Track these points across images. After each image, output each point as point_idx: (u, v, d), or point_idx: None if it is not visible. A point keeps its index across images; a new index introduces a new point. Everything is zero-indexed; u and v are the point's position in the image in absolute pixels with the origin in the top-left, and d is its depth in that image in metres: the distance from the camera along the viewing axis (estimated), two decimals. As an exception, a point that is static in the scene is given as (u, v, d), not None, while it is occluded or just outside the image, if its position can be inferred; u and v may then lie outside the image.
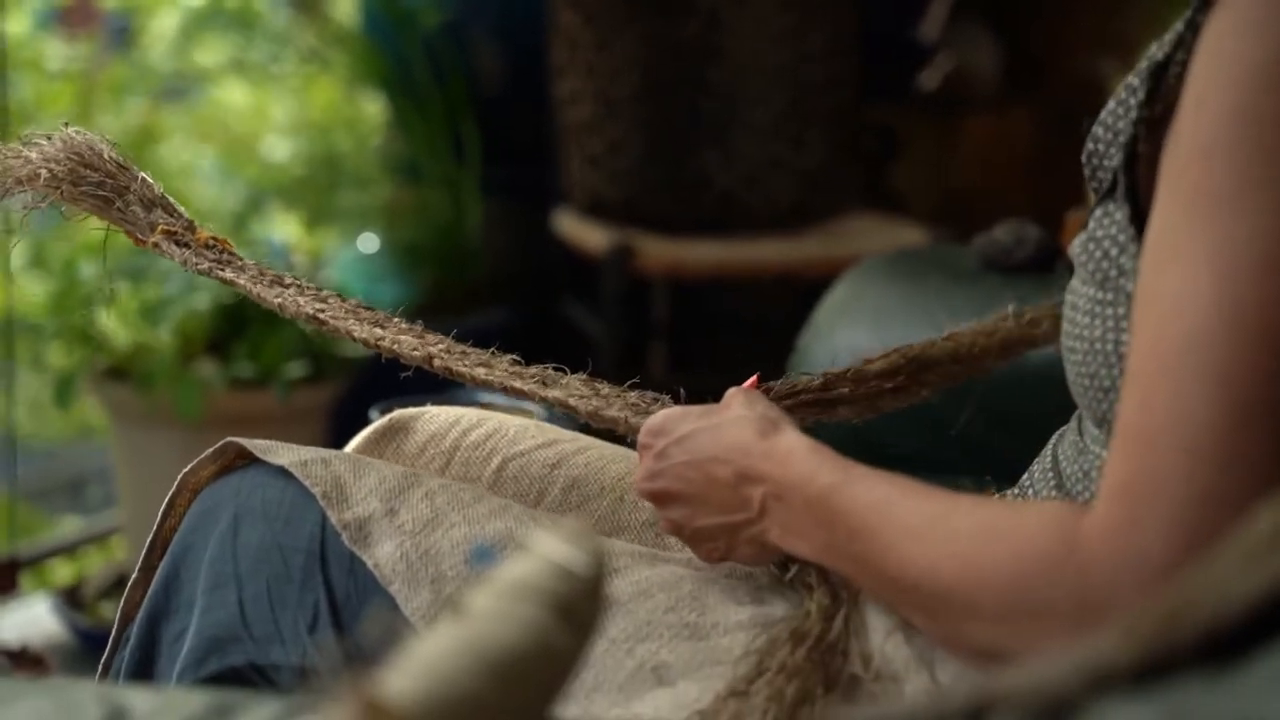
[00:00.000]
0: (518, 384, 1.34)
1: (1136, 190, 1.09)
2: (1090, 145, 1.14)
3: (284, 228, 3.63)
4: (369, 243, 3.57)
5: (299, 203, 3.60)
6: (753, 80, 3.24)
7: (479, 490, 1.32)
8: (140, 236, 1.44)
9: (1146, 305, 1.00)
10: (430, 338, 1.39)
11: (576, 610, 0.80)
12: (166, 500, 1.37)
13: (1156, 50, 1.09)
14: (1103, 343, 1.09)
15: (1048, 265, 1.98)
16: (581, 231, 3.32)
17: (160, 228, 1.43)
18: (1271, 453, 0.93)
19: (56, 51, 3.93)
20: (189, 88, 4.06)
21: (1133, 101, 1.10)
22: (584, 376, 1.36)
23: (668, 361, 3.32)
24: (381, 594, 1.25)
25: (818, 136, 3.30)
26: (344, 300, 1.42)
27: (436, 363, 1.36)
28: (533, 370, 1.36)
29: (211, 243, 1.45)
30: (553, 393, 1.34)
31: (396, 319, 1.40)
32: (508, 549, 1.23)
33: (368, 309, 1.41)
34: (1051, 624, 0.98)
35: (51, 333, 2.91)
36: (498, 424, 1.46)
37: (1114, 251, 1.09)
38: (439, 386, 2.37)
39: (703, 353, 3.41)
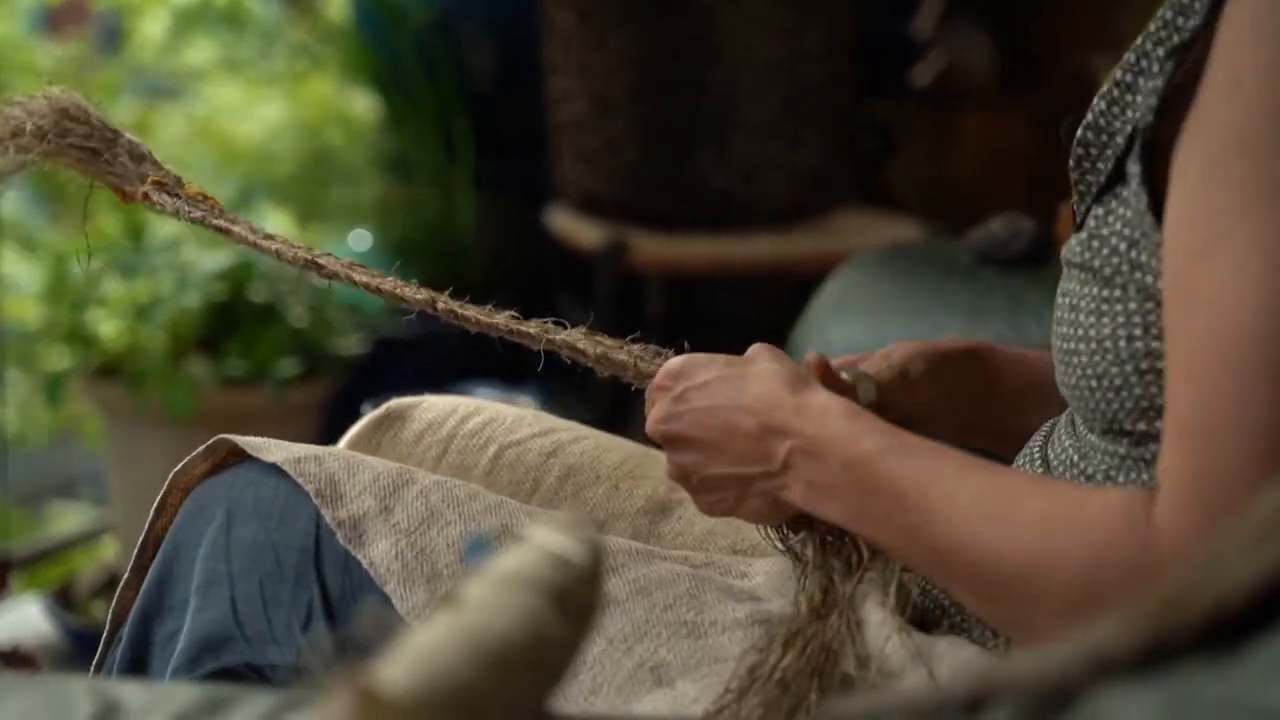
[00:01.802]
0: (527, 329, 1.32)
1: (1154, 177, 1.06)
2: (1079, 148, 1.13)
3: (276, 225, 3.62)
4: (361, 240, 3.56)
5: (291, 200, 3.59)
6: (748, 77, 3.23)
7: (474, 487, 1.31)
8: (129, 190, 1.42)
9: (1189, 297, 0.98)
10: (438, 294, 1.38)
11: (573, 600, 0.79)
12: (158, 499, 1.36)
13: (1164, 33, 1.07)
14: (1113, 340, 1.06)
15: (1042, 258, 1.99)
16: (575, 228, 3.31)
17: (150, 179, 1.42)
18: None
19: (47, 52, 3.93)
20: (181, 87, 4.05)
21: (1131, 97, 1.08)
22: (584, 329, 1.33)
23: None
24: (376, 592, 1.24)
25: (813, 133, 3.30)
26: (340, 259, 1.40)
27: (440, 305, 1.35)
28: (533, 322, 1.34)
29: (200, 197, 1.43)
30: (560, 336, 1.31)
31: (392, 277, 1.39)
32: (503, 541, 1.22)
33: (364, 269, 1.39)
34: None
35: (42, 332, 2.90)
36: (494, 413, 1.45)
37: (1123, 246, 1.07)
38: (432, 384, 2.37)
39: (697, 349, 3.39)
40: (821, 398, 1.15)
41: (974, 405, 1.37)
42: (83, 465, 3.65)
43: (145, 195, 1.42)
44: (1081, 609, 0.98)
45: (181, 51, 3.93)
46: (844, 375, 1.33)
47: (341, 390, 2.95)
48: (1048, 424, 1.23)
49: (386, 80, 3.62)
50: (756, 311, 3.57)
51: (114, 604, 1.37)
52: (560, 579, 0.80)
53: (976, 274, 1.99)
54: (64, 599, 2.81)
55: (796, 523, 1.21)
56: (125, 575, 1.36)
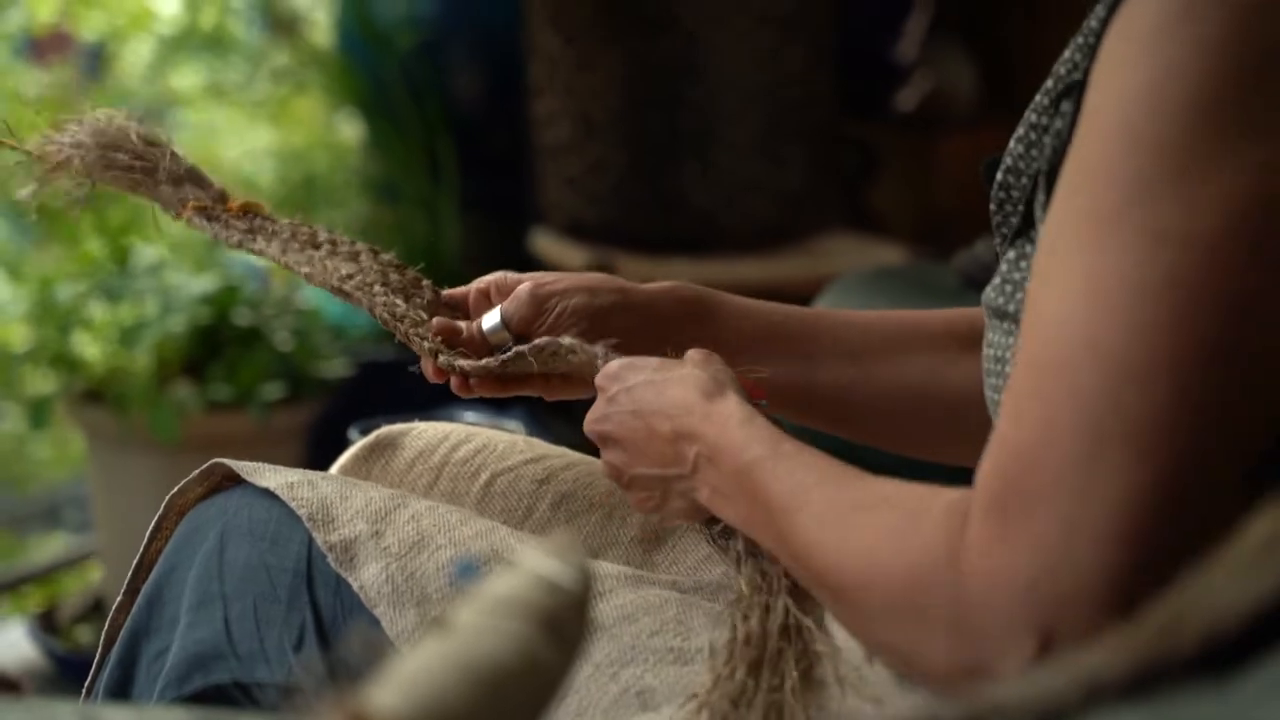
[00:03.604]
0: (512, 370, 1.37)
1: None
2: (999, 192, 1.13)
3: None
4: (346, 264, 3.55)
5: (276, 225, 3.58)
6: (731, 100, 3.24)
7: (465, 513, 1.31)
8: (175, 211, 1.46)
9: (1028, 320, 0.98)
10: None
11: (563, 624, 0.79)
12: (154, 522, 1.36)
13: (1069, 72, 1.06)
14: None
15: (1028, 282, 1.98)
16: (559, 251, 3.31)
17: (191, 203, 1.44)
18: (1131, 488, 0.92)
19: (33, 79, 3.93)
20: (166, 112, 4.05)
21: (1045, 139, 1.08)
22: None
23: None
24: (367, 615, 1.24)
25: (796, 156, 3.30)
26: (376, 257, 1.44)
27: (441, 359, 1.39)
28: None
29: (243, 211, 1.45)
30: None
31: (427, 285, 1.44)
32: (492, 565, 1.22)
33: (398, 270, 1.44)
34: (931, 633, 0.97)
35: (27, 356, 2.89)
36: (486, 439, 1.45)
37: (1029, 288, 1.07)
38: (418, 407, 2.36)
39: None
40: (729, 404, 1.18)
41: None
42: (68, 489, 3.64)
43: (189, 220, 1.45)
44: (900, 622, 0.99)
45: (166, 77, 3.93)
46: (485, 324, 1.39)
47: (326, 414, 2.95)
48: None
49: (372, 104, 3.62)
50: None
51: (106, 627, 1.37)
52: (550, 604, 0.80)
53: (963, 297, 1.99)
54: (48, 623, 2.80)
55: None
56: (118, 598, 1.36)
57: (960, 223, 3.59)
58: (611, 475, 1.27)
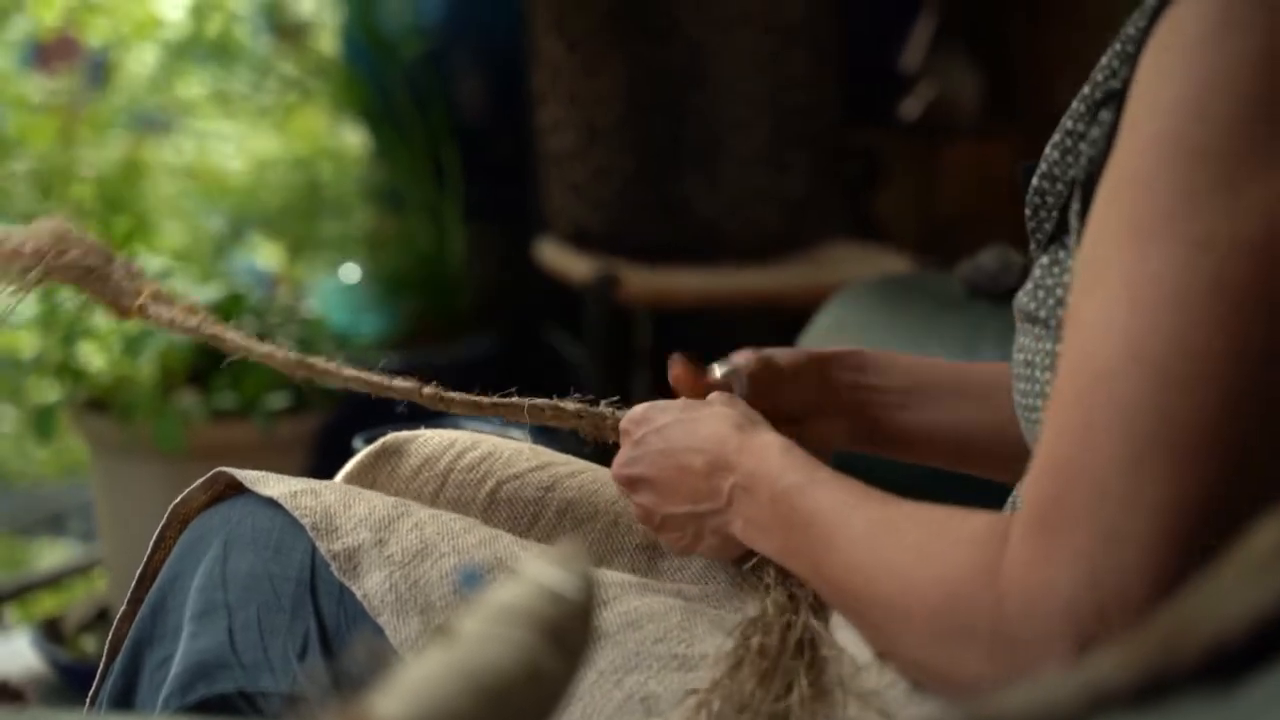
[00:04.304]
0: (506, 402, 1.42)
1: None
2: (1035, 197, 1.13)
3: (266, 257, 3.62)
4: (351, 272, 3.56)
5: (281, 233, 3.59)
6: (735, 107, 3.24)
7: (469, 520, 1.31)
8: (125, 304, 1.49)
9: (1070, 331, 0.99)
10: (415, 383, 1.46)
11: (567, 633, 0.79)
12: (157, 532, 1.36)
13: (1110, 82, 1.07)
14: None
15: (1033, 290, 1.98)
16: (564, 260, 3.31)
17: (146, 291, 1.47)
18: (1175, 495, 0.92)
19: (38, 86, 3.93)
20: (171, 120, 4.05)
21: (1082, 146, 1.08)
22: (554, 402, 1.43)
23: (651, 390, 3.31)
24: (371, 624, 1.24)
25: (800, 165, 3.30)
26: (327, 362, 1.48)
27: (426, 392, 1.43)
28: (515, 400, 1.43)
29: (194, 310, 1.48)
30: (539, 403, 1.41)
31: (381, 375, 1.48)
32: (496, 574, 1.22)
33: (348, 367, 1.49)
34: (971, 651, 0.97)
35: (32, 364, 2.89)
36: (492, 447, 1.46)
37: (1067, 297, 1.07)
38: (423, 416, 2.36)
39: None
40: (765, 436, 1.20)
41: (856, 403, 1.41)
42: (72, 498, 3.64)
43: (141, 308, 1.48)
44: (939, 643, 1.00)
45: (172, 85, 3.93)
46: (717, 370, 1.40)
47: (330, 423, 2.95)
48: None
49: (376, 113, 3.62)
50: (745, 343, 3.57)
51: (110, 636, 1.37)
52: (554, 613, 0.80)
53: (968, 306, 1.99)
54: (53, 632, 2.80)
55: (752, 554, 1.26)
56: (122, 607, 1.37)
57: (964, 231, 3.59)
58: (642, 519, 1.29)
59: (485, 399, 1.42)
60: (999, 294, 2.00)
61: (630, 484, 1.28)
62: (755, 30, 3.24)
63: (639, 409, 1.31)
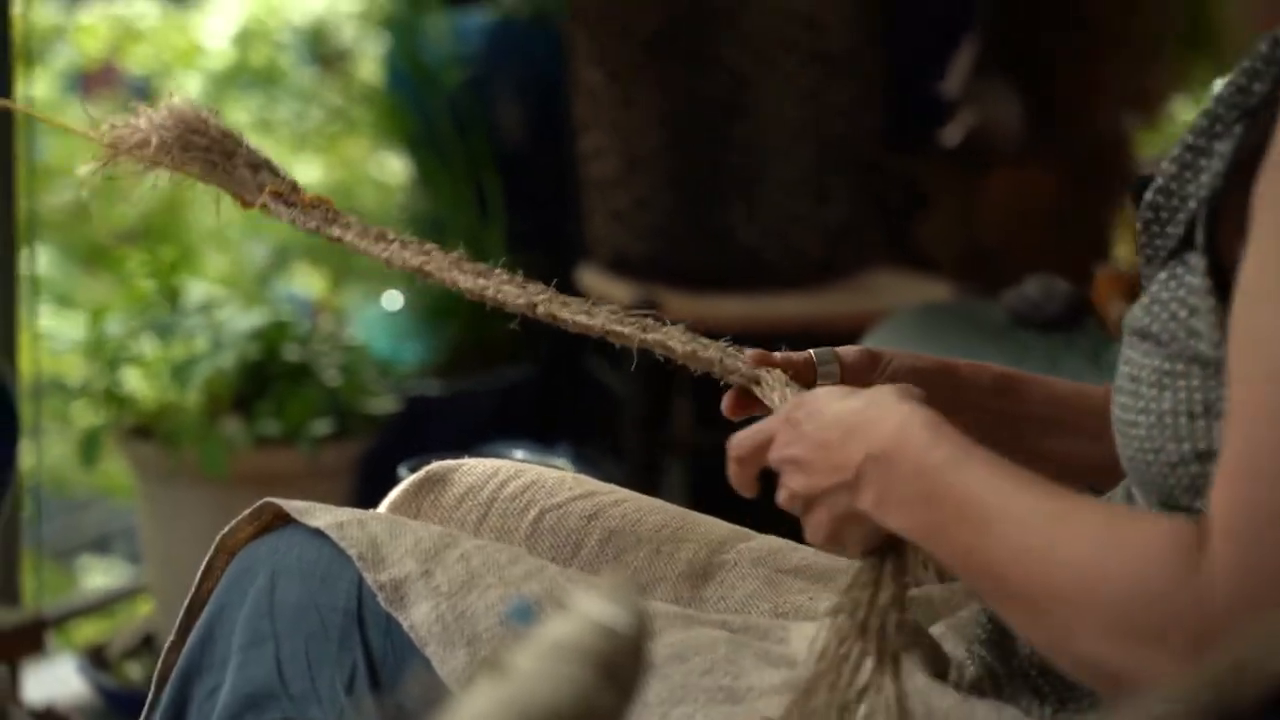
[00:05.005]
0: (618, 327, 1.38)
1: (1216, 243, 1.07)
2: (1148, 212, 1.13)
3: (308, 285, 3.64)
4: (393, 300, 3.57)
5: (324, 260, 3.61)
6: (776, 135, 3.24)
7: (515, 551, 1.32)
8: (248, 198, 1.47)
9: (1245, 342, 0.99)
10: (532, 287, 1.41)
11: (619, 669, 0.79)
12: (205, 562, 1.37)
13: (1237, 98, 1.08)
14: (1173, 415, 1.07)
15: (1077, 320, 1.99)
16: (605, 287, 3.32)
17: (268, 188, 1.46)
18: None
19: (82, 113, 3.95)
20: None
21: (1203, 162, 1.09)
22: (683, 326, 1.38)
23: (692, 417, 3.32)
24: (418, 655, 1.25)
25: (842, 191, 3.30)
26: (445, 254, 1.45)
27: (540, 309, 1.39)
28: (633, 318, 1.39)
29: (316, 203, 1.46)
30: (652, 335, 1.36)
31: (498, 271, 1.43)
32: (546, 607, 1.22)
33: (469, 262, 1.44)
34: (1160, 651, 0.97)
35: (78, 389, 2.92)
36: (535, 476, 1.46)
37: (1183, 314, 1.08)
38: (463, 443, 2.36)
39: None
40: (912, 406, 1.14)
41: (988, 425, 1.34)
42: (117, 523, 3.66)
43: (263, 205, 1.46)
44: (1122, 639, 0.98)
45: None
46: (815, 356, 1.36)
47: (374, 450, 2.96)
48: (1107, 495, 1.23)
49: (418, 141, 3.64)
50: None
51: (159, 666, 1.37)
52: (606, 648, 0.80)
53: (1012, 335, 1.99)
54: (98, 658, 2.82)
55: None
56: (170, 637, 1.37)
57: (1005, 258, 3.58)
58: (787, 504, 1.20)
59: (597, 321, 1.38)
60: (1043, 323, 2.00)
61: (784, 464, 1.20)
62: (796, 58, 3.24)
63: (807, 394, 1.24)
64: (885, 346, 2.04)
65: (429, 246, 1.46)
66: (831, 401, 1.19)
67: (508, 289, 1.40)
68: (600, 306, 1.40)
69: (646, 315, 1.38)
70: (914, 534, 1.12)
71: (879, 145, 3.41)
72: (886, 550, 1.16)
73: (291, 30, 4.08)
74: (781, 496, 1.20)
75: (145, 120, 1.46)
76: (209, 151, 1.46)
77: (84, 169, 1.49)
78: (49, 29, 3.98)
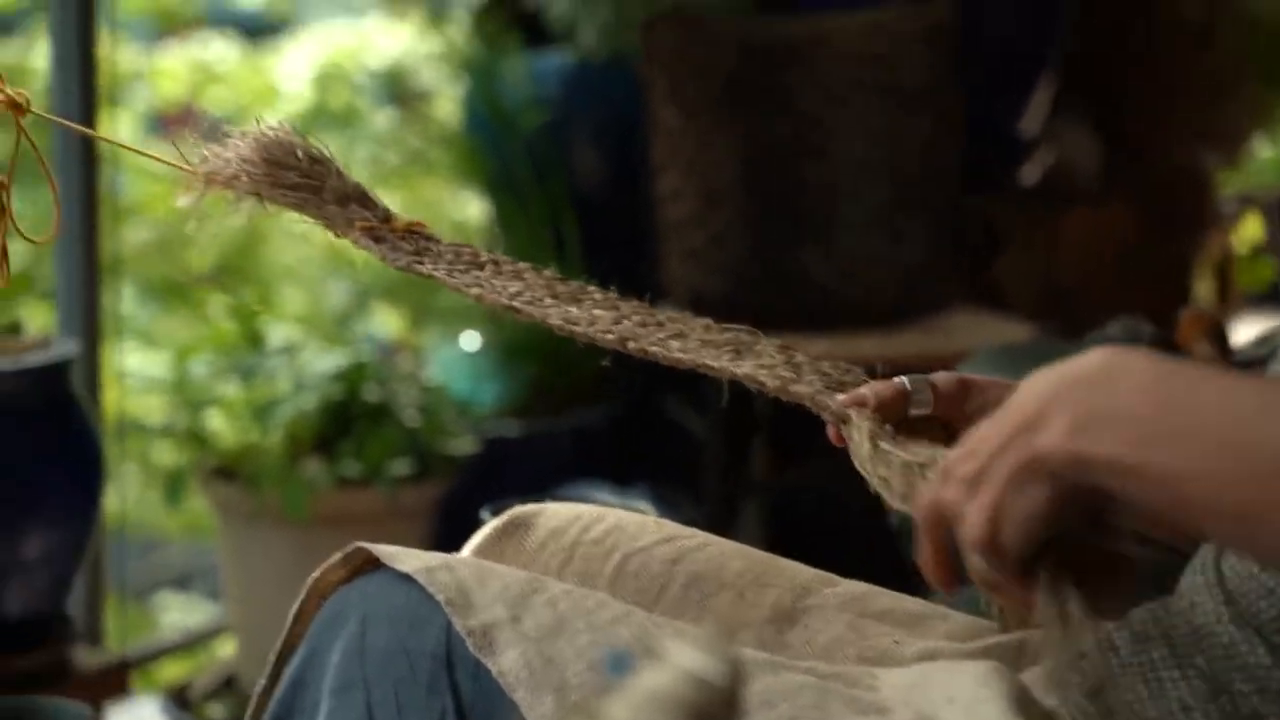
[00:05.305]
0: (710, 361, 1.35)
1: None
2: None
3: (387, 325, 3.66)
4: (471, 340, 3.59)
5: (401, 301, 3.63)
6: (852, 175, 3.25)
7: (602, 596, 1.32)
8: (339, 232, 1.46)
9: None
10: (625, 307, 1.41)
11: (714, 720, 0.80)
12: (295, 606, 1.38)
13: None
14: None
15: (1160, 363, 1.97)
16: (682, 328, 3.32)
17: (359, 224, 1.45)
18: None
19: (162, 153, 3.99)
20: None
21: None
22: (778, 342, 1.37)
23: (771, 458, 3.32)
24: (507, 700, 1.25)
25: (919, 231, 3.30)
26: (539, 273, 1.43)
27: (631, 345, 1.37)
28: (726, 338, 1.38)
29: (408, 232, 1.46)
30: (743, 368, 1.34)
31: (592, 289, 1.42)
32: (639, 655, 1.22)
33: (562, 281, 1.43)
34: None
35: (160, 429, 2.94)
36: (617, 520, 1.46)
37: None
38: (541, 484, 2.37)
39: (805, 449, 3.41)
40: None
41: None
42: (198, 562, 3.69)
43: (355, 241, 1.45)
44: None
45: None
46: (907, 382, 1.32)
47: (452, 491, 2.97)
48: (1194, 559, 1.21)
49: (497, 182, 3.66)
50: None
51: (250, 711, 1.38)
52: (701, 700, 0.80)
53: (1095, 379, 1.98)
54: (181, 699, 2.83)
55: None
56: (261, 681, 1.38)
57: (1083, 298, 3.57)
58: (944, 505, 1.07)
59: (689, 353, 1.34)
60: (1125, 366, 1.99)
61: (949, 476, 1.07)
62: (873, 98, 3.25)
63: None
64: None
65: (521, 266, 1.43)
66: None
67: (600, 320, 1.39)
68: (694, 323, 1.40)
69: (740, 330, 1.38)
70: (1131, 447, 0.95)
71: (956, 184, 3.40)
72: (1049, 560, 1.02)
73: (369, 72, 4.12)
74: (936, 503, 1.07)
75: (235, 153, 1.45)
76: (298, 189, 1.46)
77: (181, 200, 1.48)
78: (129, 71, 4.03)
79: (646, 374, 3.66)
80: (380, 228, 1.45)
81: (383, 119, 4.06)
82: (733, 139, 3.26)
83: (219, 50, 4.32)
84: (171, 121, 4.48)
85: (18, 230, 1.45)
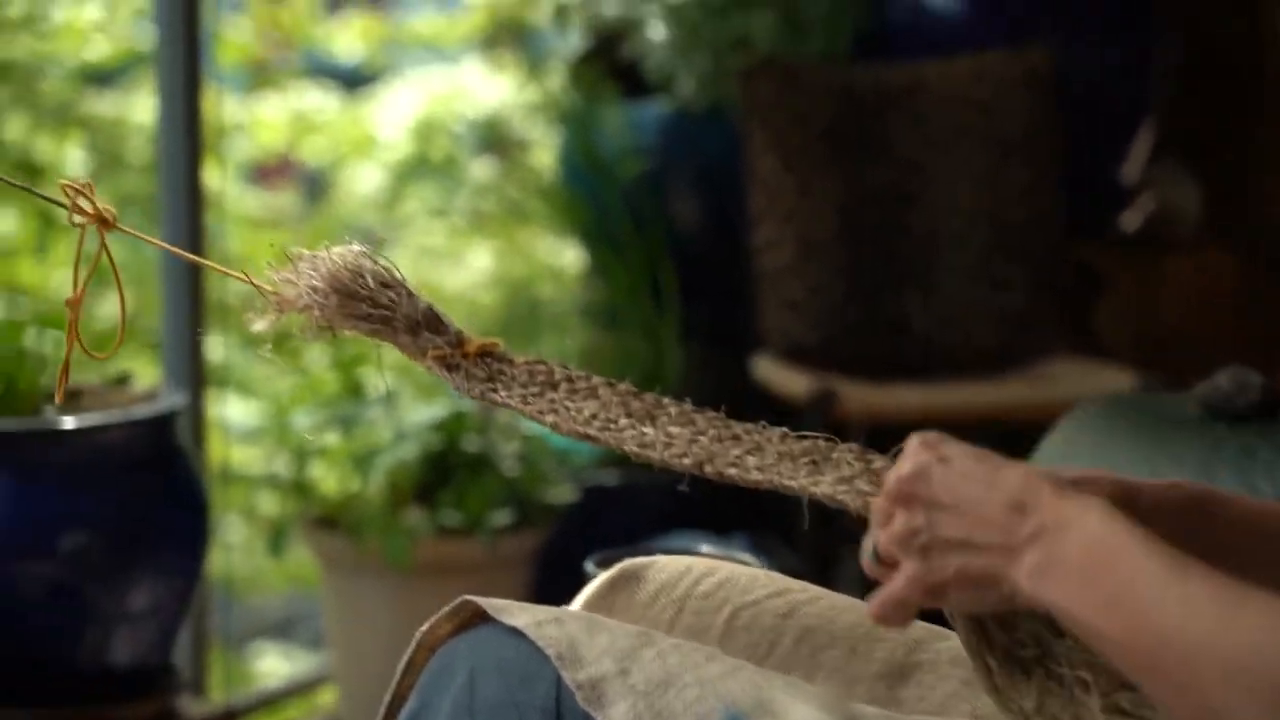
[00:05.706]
0: (789, 481, 1.34)
1: None
2: None
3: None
4: (569, 390, 3.59)
5: (499, 350, 3.64)
6: (952, 223, 3.24)
7: (711, 650, 1.32)
8: (415, 357, 1.46)
9: None
10: (700, 421, 1.41)
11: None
12: (405, 658, 1.38)
13: None
14: None
15: (1271, 413, 1.95)
16: (781, 377, 3.32)
17: (431, 353, 1.45)
18: None
19: (258, 200, 4.05)
20: (389, 235, 4.15)
21: None
22: (857, 448, 1.34)
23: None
24: (617, 754, 1.25)
25: (1019, 277, 3.29)
26: (614, 388, 1.43)
27: (708, 469, 1.37)
28: (803, 446, 1.37)
29: (481, 356, 1.46)
30: (822, 486, 1.32)
31: (667, 402, 1.43)
32: (752, 713, 1.22)
33: (637, 397, 1.43)
34: None
35: (263, 480, 2.96)
36: (729, 573, 1.46)
37: None
38: (640, 534, 2.36)
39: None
40: (1087, 497, 1.12)
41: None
42: (300, 611, 3.71)
43: (429, 368, 1.45)
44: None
45: (392, 203, 4.03)
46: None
47: (551, 540, 2.97)
48: None
49: (594, 232, 3.67)
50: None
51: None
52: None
53: (1205, 428, 1.96)
54: (284, 749, 2.85)
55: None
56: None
57: (1186, 346, 3.54)
58: (899, 539, 1.18)
59: (765, 473, 1.35)
60: (1235, 415, 1.97)
61: (906, 500, 1.18)
62: (973, 144, 3.24)
63: (933, 434, 1.21)
64: (1073, 437, 2.02)
65: (596, 382, 1.43)
66: (971, 451, 1.18)
67: (677, 440, 1.40)
68: (770, 433, 1.38)
69: (818, 438, 1.36)
70: (1068, 603, 1.09)
71: (1056, 230, 3.39)
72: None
73: (466, 122, 4.15)
74: (895, 533, 1.18)
75: (306, 281, 1.44)
76: (370, 319, 1.46)
77: (256, 326, 1.49)
78: (228, 123, 4.07)
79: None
80: (453, 354, 1.45)
81: (480, 168, 4.08)
82: (831, 187, 3.25)
83: (317, 101, 4.35)
84: (269, 172, 4.53)
85: (83, 348, 1.46)
